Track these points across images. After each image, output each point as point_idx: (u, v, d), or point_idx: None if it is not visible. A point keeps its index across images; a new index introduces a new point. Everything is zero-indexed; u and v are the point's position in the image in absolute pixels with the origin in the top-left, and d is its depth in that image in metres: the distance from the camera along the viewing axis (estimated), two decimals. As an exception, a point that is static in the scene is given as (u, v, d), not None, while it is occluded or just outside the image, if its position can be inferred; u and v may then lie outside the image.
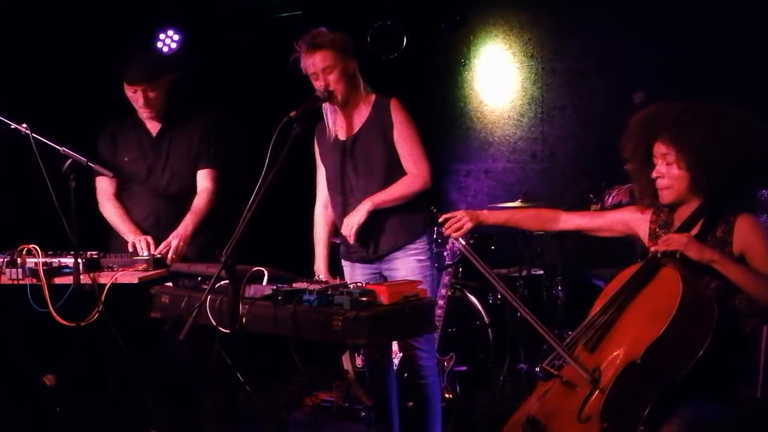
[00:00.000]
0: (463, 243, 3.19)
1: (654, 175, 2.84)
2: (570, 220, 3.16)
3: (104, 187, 4.11)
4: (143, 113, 4.05)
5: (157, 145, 4.09)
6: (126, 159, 4.09)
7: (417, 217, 3.64)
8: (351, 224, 3.54)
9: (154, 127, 4.11)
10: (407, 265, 3.61)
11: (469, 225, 3.13)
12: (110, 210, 4.07)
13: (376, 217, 3.57)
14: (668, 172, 2.80)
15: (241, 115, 5.86)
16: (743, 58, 4.84)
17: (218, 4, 5.93)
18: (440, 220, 3.18)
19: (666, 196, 2.84)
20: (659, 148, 2.81)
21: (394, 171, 3.60)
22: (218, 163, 4.11)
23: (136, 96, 3.98)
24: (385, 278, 3.64)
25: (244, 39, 6.09)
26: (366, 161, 3.62)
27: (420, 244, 3.64)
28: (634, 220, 3.01)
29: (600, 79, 5.57)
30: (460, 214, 3.16)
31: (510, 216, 3.23)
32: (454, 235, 3.15)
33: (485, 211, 3.20)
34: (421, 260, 3.64)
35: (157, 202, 4.08)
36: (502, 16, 6.00)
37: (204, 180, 4.09)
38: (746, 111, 2.79)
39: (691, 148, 2.73)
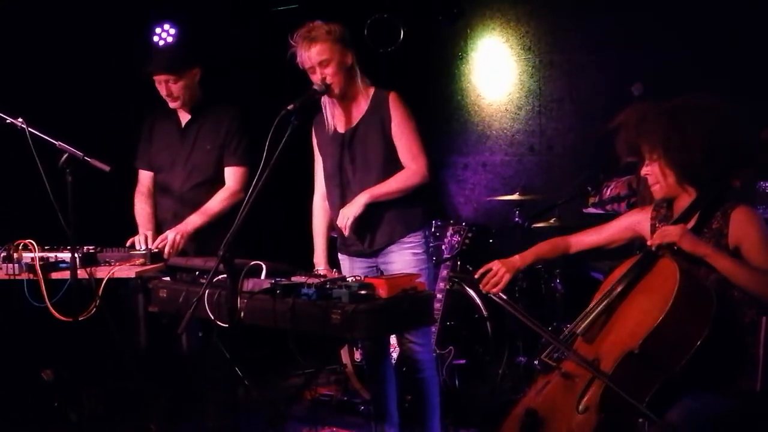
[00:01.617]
0: (504, 297, 3.06)
1: (642, 173, 2.90)
2: (581, 242, 3.15)
3: (143, 180, 4.19)
4: (170, 103, 4.06)
5: (184, 136, 4.09)
6: (154, 149, 4.12)
7: (414, 212, 3.63)
8: (347, 215, 3.51)
9: (185, 117, 4.11)
10: (403, 258, 3.60)
11: (507, 277, 3.06)
12: (136, 204, 4.15)
13: (373, 210, 3.55)
14: (653, 170, 2.85)
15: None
16: (741, 47, 4.83)
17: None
18: (476, 276, 3.11)
19: (656, 192, 2.89)
20: (644, 148, 2.86)
21: (391, 165, 3.58)
22: (245, 160, 4.05)
23: (160, 87, 4.01)
24: (381, 272, 3.63)
25: (240, 33, 6.07)
26: (364, 155, 3.61)
27: (416, 238, 3.63)
28: (638, 222, 3.03)
29: (598, 71, 5.55)
30: (495, 266, 3.08)
31: (536, 253, 3.17)
32: (493, 290, 3.06)
33: (517, 258, 3.12)
34: (416, 253, 3.62)
35: (176, 194, 4.08)
36: (500, 8, 5.99)
37: (228, 178, 4.05)
38: (716, 98, 2.81)
39: (663, 147, 2.78)
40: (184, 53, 4.16)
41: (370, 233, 3.61)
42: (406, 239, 3.60)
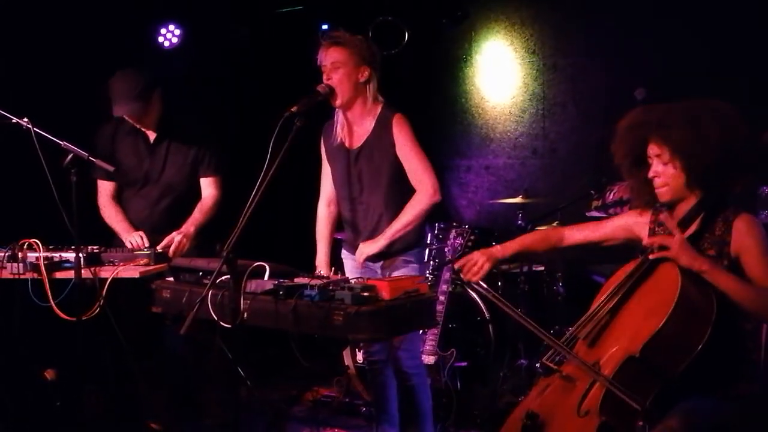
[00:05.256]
0: (485, 286, 3.04)
1: (650, 174, 2.84)
2: (573, 236, 3.14)
3: (104, 190, 4.15)
4: (140, 127, 4.06)
5: (155, 151, 4.09)
6: (124, 164, 4.09)
7: (414, 231, 3.68)
8: (364, 253, 3.62)
9: (151, 133, 4.10)
10: (392, 264, 3.66)
11: (487, 266, 3.02)
12: (109, 212, 4.11)
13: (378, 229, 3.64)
14: (664, 171, 2.80)
15: (240, 111, 5.87)
16: (745, 53, 4.83)
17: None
18: (456, 267, 3.10)
19: (663, 194, 2.84)
20: (653, 149, 2.82)
21: (398, 184, 3.63)
22: (220, 169, 4.12)
23: (130, 118, 4.00)
24: (381, 275, 3.67)
25: (244, 34, 6.09)
26: (371, 174, 3.65)
27: (410, 257, 3.68)
28: (636, 224, 3.00)
29: (601, 75, 5.57)
30: (476, 256, 3.05)
31: (521, 244, 3.15)
32: (474, 278, 3.03)
33: (498, 247, 3.09)
34: (406, 260, 3.67)
35: (152, 207, 4.10)
36: (504, 11, 6.00)
37: (208, 187, 4.11)
38: (728, 105, 2.79)
39: (682, 148, 2.74)
40: (146, 82, 3.96)
41: None
42: (401, 256, 3.66)
